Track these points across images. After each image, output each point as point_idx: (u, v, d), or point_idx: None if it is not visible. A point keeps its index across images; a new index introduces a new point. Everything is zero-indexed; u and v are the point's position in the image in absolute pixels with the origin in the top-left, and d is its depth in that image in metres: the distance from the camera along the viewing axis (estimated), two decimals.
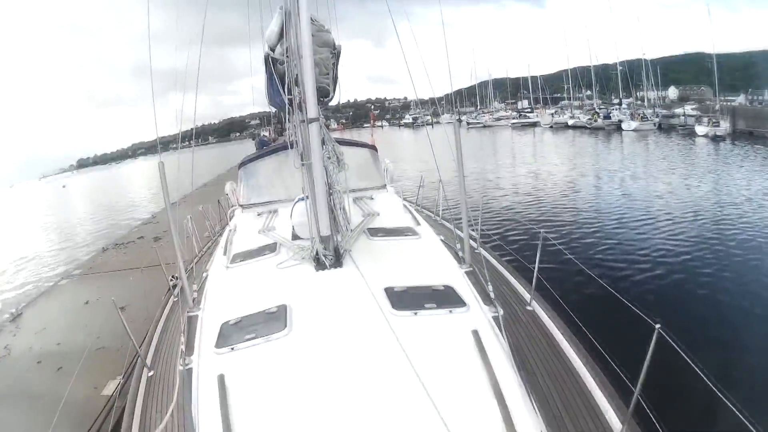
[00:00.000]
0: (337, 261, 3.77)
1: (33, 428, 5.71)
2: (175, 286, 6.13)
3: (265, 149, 7.36)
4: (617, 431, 2.82)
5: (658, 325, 2.73)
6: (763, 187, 15.91)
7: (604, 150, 34.63)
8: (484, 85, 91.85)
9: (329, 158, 3.98)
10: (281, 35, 4.07)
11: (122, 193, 52.20)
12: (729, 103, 45.96)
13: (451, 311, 3.01)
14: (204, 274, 5.03)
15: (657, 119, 46.81)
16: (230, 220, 6.33)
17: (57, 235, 25.65)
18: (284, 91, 4.09)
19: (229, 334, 3.06)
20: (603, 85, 66.37)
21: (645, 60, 60.04)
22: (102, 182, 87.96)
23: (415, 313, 2.96)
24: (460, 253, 4.37)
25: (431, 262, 3.97)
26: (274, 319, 3.09)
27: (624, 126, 46.12)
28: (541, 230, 4.93)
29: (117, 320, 8.14)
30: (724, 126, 35.97)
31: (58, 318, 9.50)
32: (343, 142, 5.74)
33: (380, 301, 3.08)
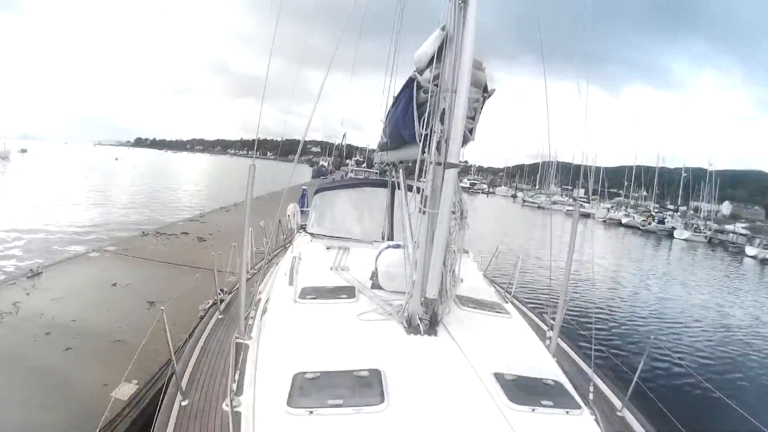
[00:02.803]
0: (431, 327, 3.35)
1: (27, 403, 5.12)
2: (222, 301, 5.53)
3: (346, 181, 6.95)
4: None
5: None
6: None
7: (653, 254, 34.68)
8: (547, 165, 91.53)
9: (453, 212, 3.41)
10: (432, 60, 3.49)
11: (174, 181, 53.39)
12: None
13: (567, 412, 2.74)
14: (258, 297, 4.53)
15: (709, 233, 46.53)
16: (292, 244, 5.82)
17: (97, 207, 25.73)
18: (420, 124, 3.51)
19: (306, 392, 2.58)
20: (663, 188, 66.01)
21: (710, 171, 59.33)
22: (155, 165, 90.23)
23: (533, 410, 2.65)
24: (547, 342, 4.03)
25: (526, 347, 3.62)
26: (365, 386, 2.65)
27: (676, 234, 46.38)
28: (651, 336, 4.51)
29: (142, 313, 7.71)
30: None
31: (80, 291, 8.68)
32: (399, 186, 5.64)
33: (491, 388, 2.77)
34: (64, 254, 12.54)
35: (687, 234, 45.59)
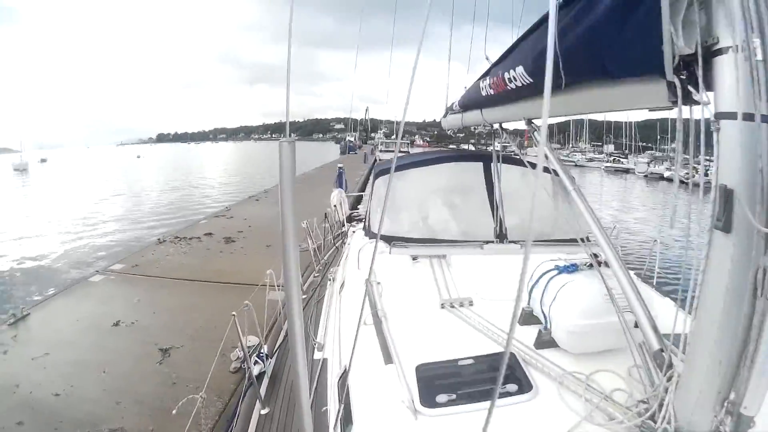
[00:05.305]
0: None
1: None
2: (263, 375, 3.42)
3: (422, 155, 4.57)
4: None
5: None
6: None
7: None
8: (579, 122, 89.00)
9: None
10: None
11: (196, 173, 52.29)
12: None
13: None
14: (317, 353, 2.92)
15: None
16: (348, 247, 3.95)
17: (112, 209, 24.13)
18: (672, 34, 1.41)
19: None
20: None
21: None
22: (177, 158, 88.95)
23: None
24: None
25: None
26: None
27: None
28: None
29: (151, 372, 5.45)
30: None
31: (71, 341, 6.50)
32: (507, 160, 3.99)
33: None
34: (63, 283, 10.35)
35: None
